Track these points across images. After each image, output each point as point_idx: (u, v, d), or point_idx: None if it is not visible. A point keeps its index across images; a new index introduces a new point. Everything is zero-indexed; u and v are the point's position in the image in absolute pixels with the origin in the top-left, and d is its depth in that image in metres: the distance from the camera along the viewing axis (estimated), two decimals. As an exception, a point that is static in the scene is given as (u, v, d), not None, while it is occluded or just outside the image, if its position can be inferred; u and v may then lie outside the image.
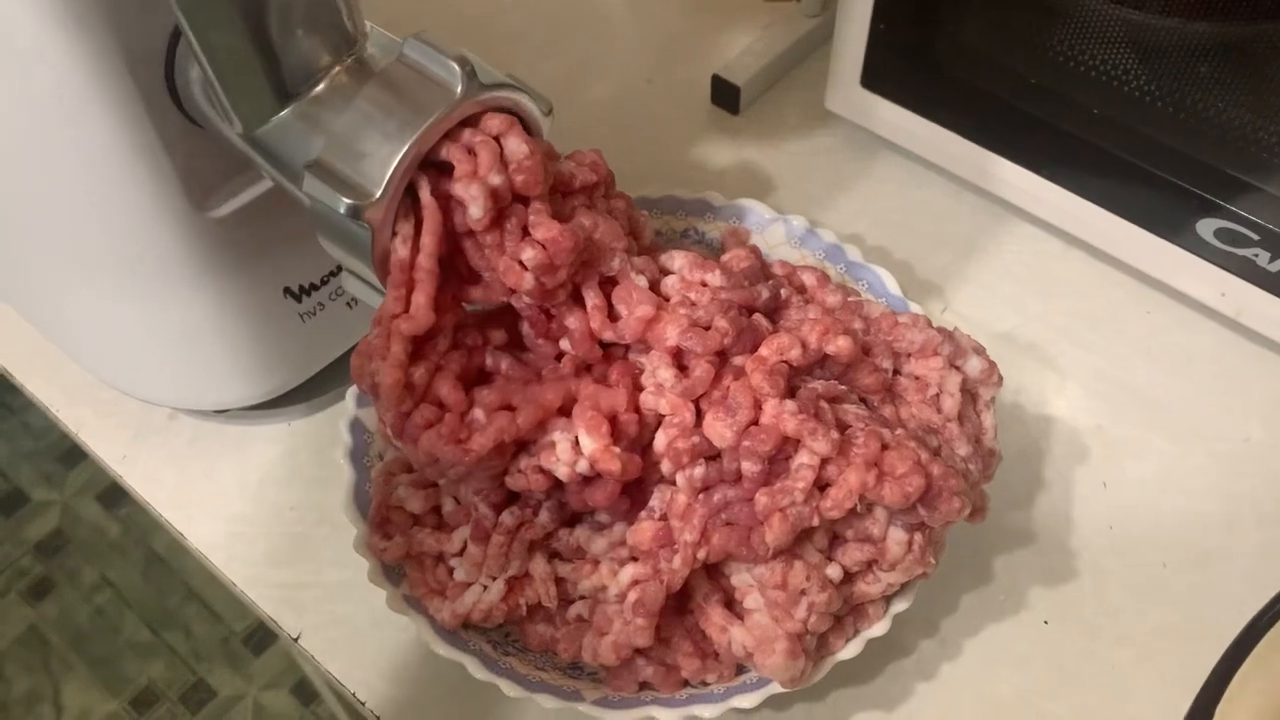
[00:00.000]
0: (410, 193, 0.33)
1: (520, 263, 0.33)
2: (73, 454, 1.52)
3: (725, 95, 0.59)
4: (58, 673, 1.35)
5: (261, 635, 1.36)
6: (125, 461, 0.48)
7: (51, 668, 1.35)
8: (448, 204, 0.33)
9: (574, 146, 0.57)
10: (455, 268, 0.35)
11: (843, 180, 0.57)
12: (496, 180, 0.32)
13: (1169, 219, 0.48)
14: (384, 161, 0.32)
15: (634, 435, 0.34)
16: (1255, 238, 0.45)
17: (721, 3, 0.65)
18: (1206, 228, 0.47)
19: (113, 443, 0.49)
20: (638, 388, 0.35)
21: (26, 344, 0.51)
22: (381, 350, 0.34)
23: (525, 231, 0.33)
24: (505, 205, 0.33)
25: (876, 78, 0.52)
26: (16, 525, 1.47)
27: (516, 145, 0.33)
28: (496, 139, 0.32)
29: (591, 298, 0.35)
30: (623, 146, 0.58)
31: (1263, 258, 0.46)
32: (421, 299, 0.34)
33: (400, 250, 0.33)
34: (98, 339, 0.46)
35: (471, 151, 0.32)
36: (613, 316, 0.35)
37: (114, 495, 1.49)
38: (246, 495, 0.47)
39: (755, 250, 0.41)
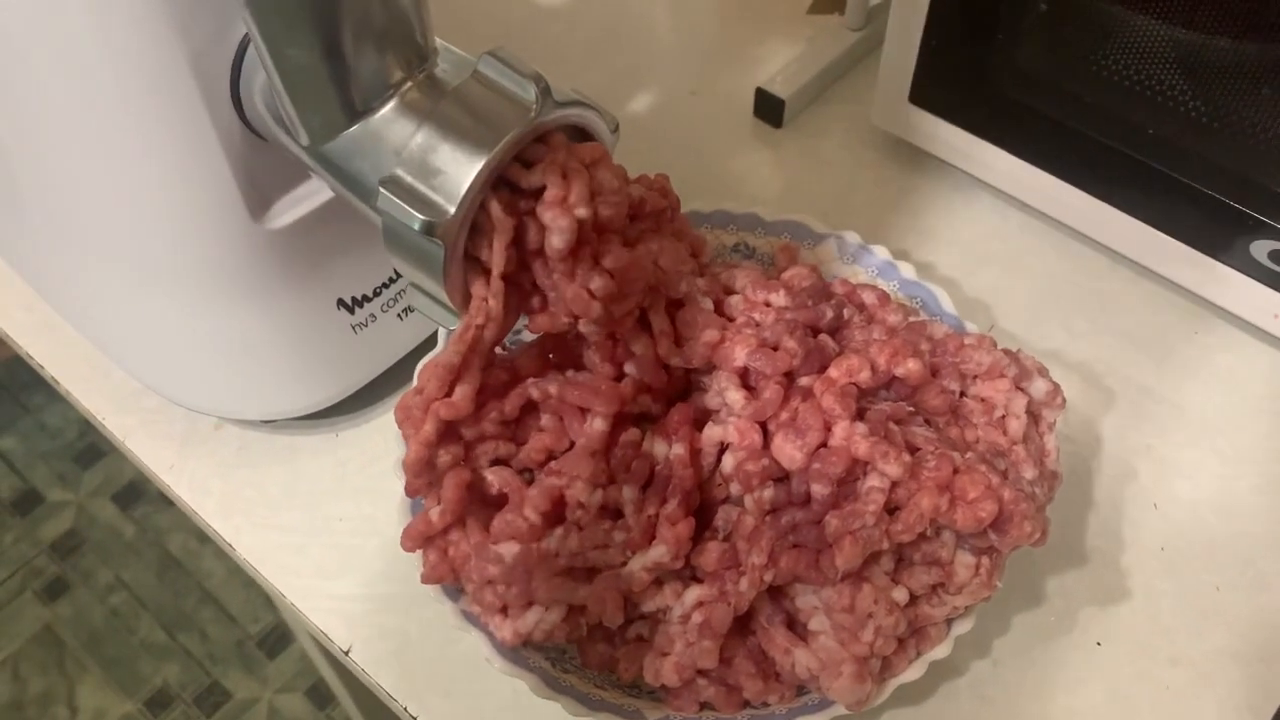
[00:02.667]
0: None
1: (589, 290, 0.33)
2: (88, 454, 1.53)
3: (769, 108, 0.59)
4: (72, 673, 1.35)
5: (276, 638, 1.36)
6: (173, 471, 0.48)
7: (66, 668, 1.35)
8: (520, 221, 0.33)
9: (616, 157, 0.57)
10: (520, 284, 0.35)
11: (887, 196, 0.56)
12: (584, 213, 0.32)
13: (1221, 239, 0.47)
14: (459, 178, 0.32)
15: (691, 489, 0.35)
16: (1310, 260, 0.45)
17: (764, 14, 0.65)
18: (1260, 249, 0.46)
19: (160, 452, 0.49)
20: (698, 423, 0.35)
21: (70, 350, 0.51)
22: (416, 422, 0.34)
23: (596, 260, 0.33)
24: (584, 234, 0.33)
25: (926, 94, 0.52)
26: (32, 525, 1.47)
27: (608, 179, 0.32)
28: (589, 168, 0.32)
29: (658, 323, 0.35)
30: (665, 158, 0.58)
31: (1317, 280, 0.45)
32: (467, 390, 0.34)
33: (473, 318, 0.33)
34: (148, 346, 0.46)
35: (565, 176, 0.32)
36: (678, 340, 0.35)
37: (129, 496, 1.49)
38: (294, 505, 0.47)
39: (815, 268, 0.40)
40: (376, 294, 0.45)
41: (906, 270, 0.46)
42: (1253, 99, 0.44)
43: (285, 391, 0.46)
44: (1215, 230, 0.47)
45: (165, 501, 1.31)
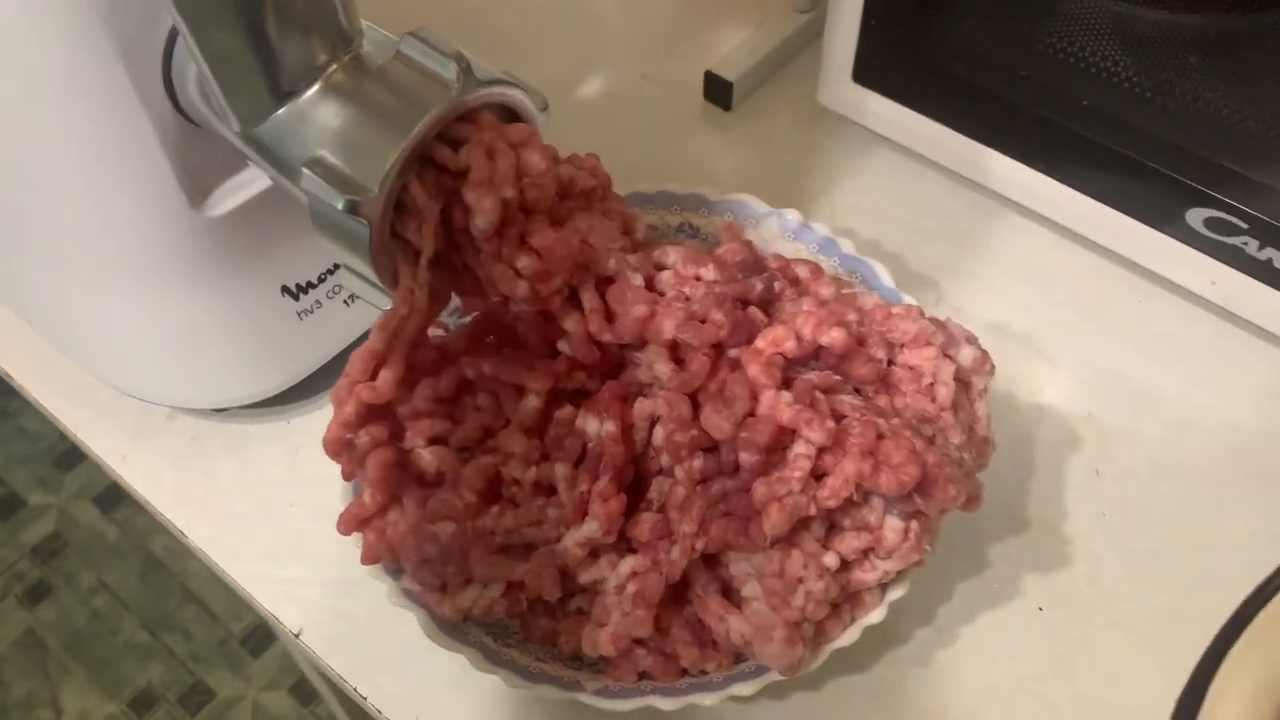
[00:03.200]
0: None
1: (515, 270, 0.33)
2: (69, 457, 1.52)
3: (718, 91, 0.59)
4: (56, 676, 1.35)
5: (260, 636, 1.36)
6: (125, 462, 0.49)
7: (49, 671, 1.35)
8: (448, 201, 0.33)
9: (568, 142, 0.57)
10: (451, 264, 0.36)
11: (836, 175, 0.57)
12: (509, 194, 0.32)
13: (1159, 209, 0.48)
14: (381, 158, 0.32)
15: (623, 465, 0.35)
16: (1244, 226, 0.46)
17: (713, -1, 0.66)
18: (1196, 217, 0.47)
19: (112, 443, 0.49)
20: (632, 398, 0.36)
21: (24, 345, 0.52)
22: (341, 404, 0.35)
23: (522, 239, 0.33)
24: (510, 214, 0.33)
25: (868, 73, 0.53)
26: (13, 529, 1.47)
27: (535, 160, 0.33)
28: (515, 148, 0.33)
29: (589, 300, 0.35)
30: (616, 143, 0.58)
31: (1252, 246, 0.46)
32: (390, 375, 0.34)
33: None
34: (96, 338, 0.46)
35: (491, 157, 0.32)
36: (609, 315, 0.36)
37: (111, 498, 1.49)
38: (247, 493, 0.47)
39: (749, 244, 0.41)
40: (321, 280, 0.46)
41: (846, 246, 0.46)
42: (1186, 70, 0.45)
43: (234, 380, 0.47)
44: (1154, 200, 0.48)
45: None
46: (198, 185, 0.40)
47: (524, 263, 0.33)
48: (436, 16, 0.65)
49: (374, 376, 0.34)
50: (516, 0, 0.67)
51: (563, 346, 0.36)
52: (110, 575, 1.43)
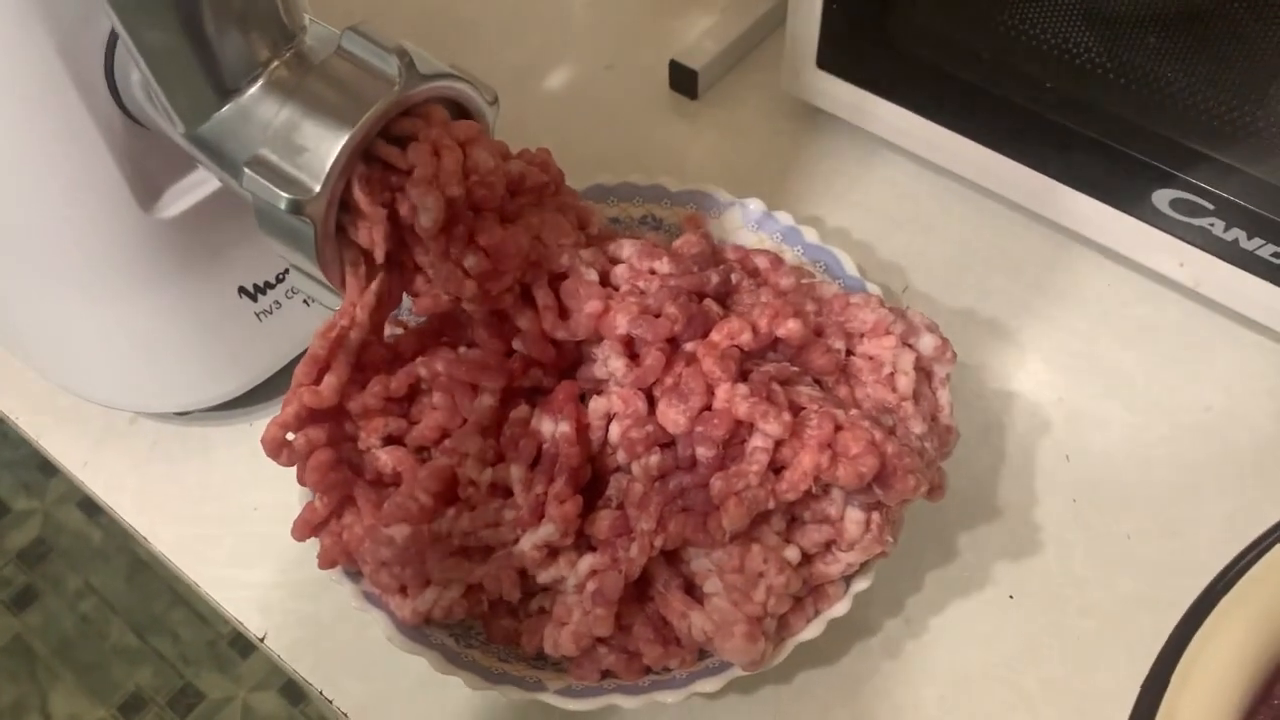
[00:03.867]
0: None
1: (463, 269, 0.33)
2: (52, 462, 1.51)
3: (683, 80, 0.59)
4: (44, 682, 1.34)
5: (248, 637, 1.36)
6: (88, 468, 0.48)
7: (38, 677, 1.35)
8: (394, 198, 0.33)
9: (533, 132, 0.57)
10: (403, 263, 0.35)
11: (802, 162, 0.56)
12: (455, 191, 0.32)
13: (1125, 191, 0.48)
14: (323, 156, 0.31)
15: (579, 466, 0.35)
16: (1210, 207, 0.45)
17: (678, -13, 0.65)
18: (1162, 199, 0.47)
19: (75, 449, 0.49)
20: (590, 394, 0.35)
21: (-16, 352, 0.51)
22: (287, 397, 0.34)
23: (470, 237, 0.33)
24: (457, 212, 0.32)
25: (831, 58, 0.52)
26: (-2, 535, 1.46)
27: (483, 158, 0.32)
28: (463, 145, 0.32)
29: (542, 298, 0.35)
30: (583, 133, 0.58)
31: (1218, 227, 0.46)
32: (333, 380, 0.34)
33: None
34: (53, 344, 0.46)
35: (438, 154, 0.32)
36: (563, 312, 0.35)
37: (95, 502, 1.48)
38: (210, 497, 0.47)
39: (706, 235, 0.40)
40: (279, 280, 0.45)
41: (810, 235, 0.46)
42: (1148, 50, 0.45)
43: (194, 383, 0.46)
44: (1120, 182, 0.48)
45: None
46: (148, 187, 0.40)
47: (471, 261, 0.33)
48: (402, 7, 0.65)
49: (318, 381, 0.34)
50: (480, -8, 0.66)
51: (517, 345, 0.36)
52: (97, 579, 1.43)
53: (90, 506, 1.48)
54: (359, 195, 0.31)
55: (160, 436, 0.49)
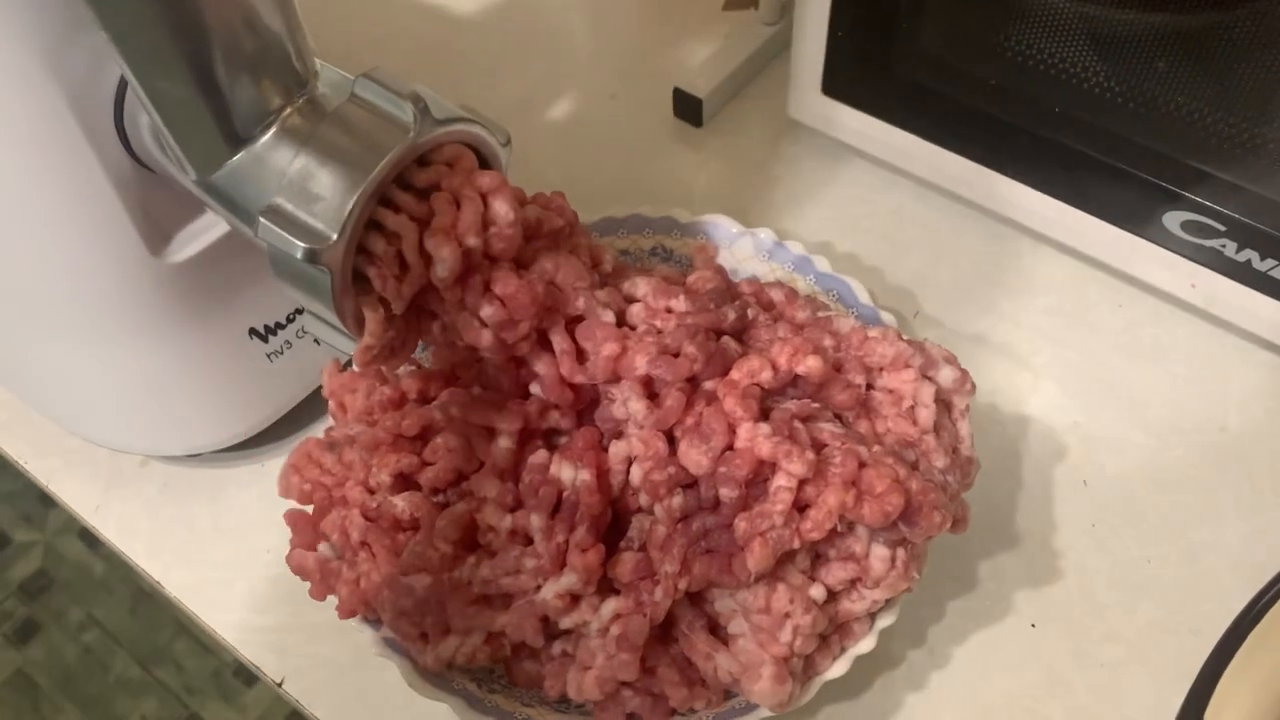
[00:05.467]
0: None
1: (479, 319, 0.33)
2: (52, 493, 1.51)
3: (688, 108, 0.59)
4: (48, 715, 1.33)
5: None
6: (99, 512, 0.48)
7: (42, 710, 1.34)
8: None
9: (538, 165, 0.57)
10: (417, 309, 0.35)
11: (809, 188, 0.56)
12: (473, 242, 0.31)
13: (1135, 213, 0.48)
14: (340, 204, 0.31)
15: (600, 514, 0.34)
16: (1221, 229, 0.45)
17: (680, 14, 0.65)
18: (1173, 220, 0.47)
19: (85, 493, 0.48)
20: (610, 434, 0.35)
21: (-8, 396, 0.51)
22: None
23: (486, 286, 0.33)
24: (474, 262, 0.32)
25: (836, 85, 0.52)
26: (-1, 568, 1.45)
27: (504, 211, 0.32)
28: (484, 196, 0.32)
29: (559, 343, 0.34)
30: (588, 164, 0.58)
31: (1230, 248, 0.46)
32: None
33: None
34: (63, 389, 0.45)
35: (457, 204, 0.31)
36: (580, 356, 0.35)
37: (98, 535, 1.48)
38: (223, 539, 0.46)
39: (721, 270, 0.40)
40: (290, 320, 0.45)
41: (821, 264, 0.46)
42: (1155, 71, 0.45)
43: (205, 425, 0.46)
44: (1129, 204, 0.48)
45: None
46: (158, 232, 0.39)
47: (487, 312, 0.32)
48: (403, 42, 0.65)
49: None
50: (482, 24, 0.66)
51: (534, 389, 0.35)
52: (99, 610, 1.42)
53: (92, 538, 1.46)
54: (377, 248, 0.31)
55: (170, 479, 0.48)
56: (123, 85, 0.35)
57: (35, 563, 1.46)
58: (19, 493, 1.51)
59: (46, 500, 1.50)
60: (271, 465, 0.48)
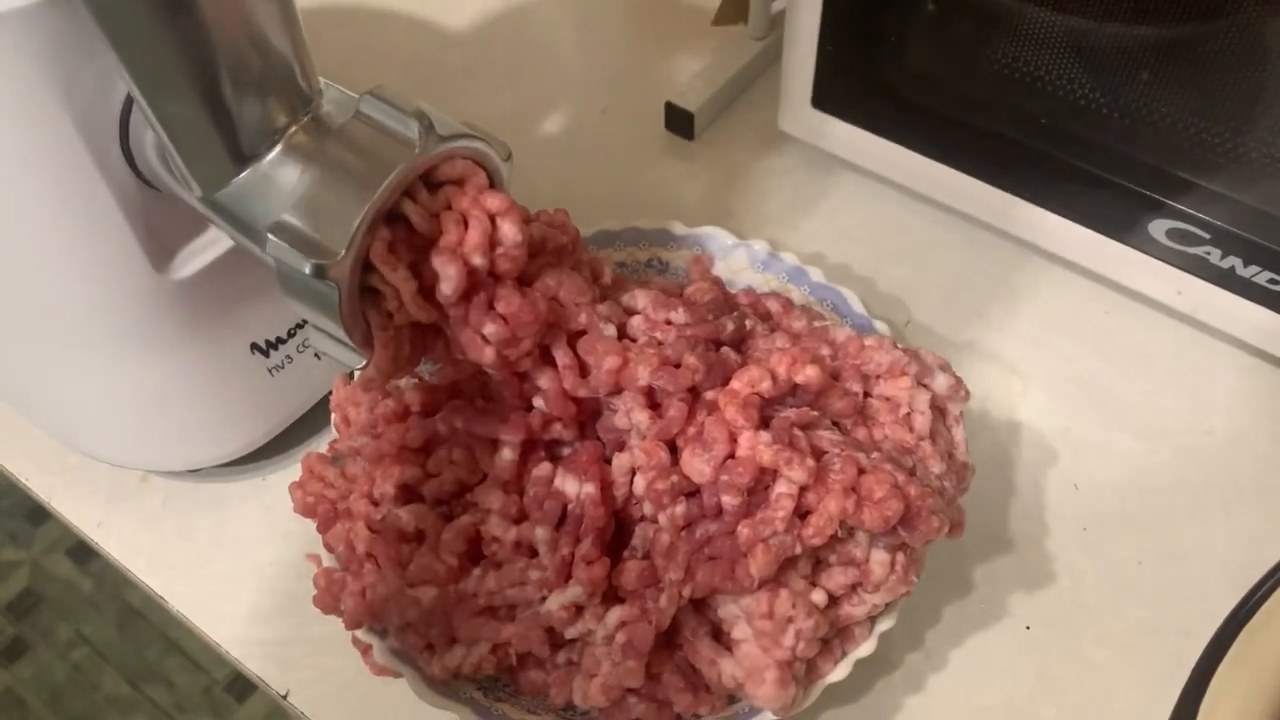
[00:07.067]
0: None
1: (483, 336, 0.33)
2: (40, 511, 1.49)
3: (679, 121, 0.59)
4: (37, 734, 1.33)
5: (244, 683, 1.34)
6: (101, 528, 0.48)
7: (31, 730, 1.33)
8: (417, 259, 0.33)
9: (531, 178, 0.57)
10: (422, 324, 0.35)
11: (801, 200, 0.57)
12: (479, 261, 0.32)
13: (1121, 221, 0.49)
14: (347, 220, 0.32)
15: (605, 527, 0.35)
16: (1206, 236, 0.46)
17: (670, 29, 0.66)
18: (1159, 228, 0.48)
19: (86, 509, 0.49)
20: (609, 445, 0.36)
21: (-10, 413, 0.51)
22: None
23: (490, 304, 0.33)
24: (478, 281, 0.33)
25: (827, 98, 0.53)
26: (-14, 587, 1.44)
27: (511, 233, 0.33)
28: (492, 217, 0.32)
29: (562, 357, 0.35)
30: (581, 178, 0.59)
31: (1214, 255, 0.47)
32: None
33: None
34: (64, 405, 0.46)
35: (464, 223, 0.32)
36: (583, 370, 0.35)
37: (84, 550, 1.47)
38: (224, 553, 0.47)
39: (718, 282, 0.41)
40: (291, 335, 0.45)
41: (816, 274, 0.46)
42: (1139, 83, 0.46)
43: (207, 440, 0.46)
44: (1115, 213, 0.49)
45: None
46: (161, 249, 0.40)
47: (491, 329, 0.33)
48: (395, 59, 0.65)
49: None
50: (474, 39, 0.66)
51: (538, 402, 0.36)
52: (88, 628, 1.41)
53: (79, 555, 1.47)
54: (384, 268, 0.31)
55: (171, 494, 0.49)
56: (128, 104, 0.36)
57: (22, 581, 1.45)
58: (5, 511, 1.51)
59: (33, 518, 1.49)
60: (273, 479, 0.48)
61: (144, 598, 1.41)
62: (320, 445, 0.44)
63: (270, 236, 0.32)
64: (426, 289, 0.33)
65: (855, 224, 0.56)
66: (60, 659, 1.39)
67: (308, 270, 0.32)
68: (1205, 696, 0.33)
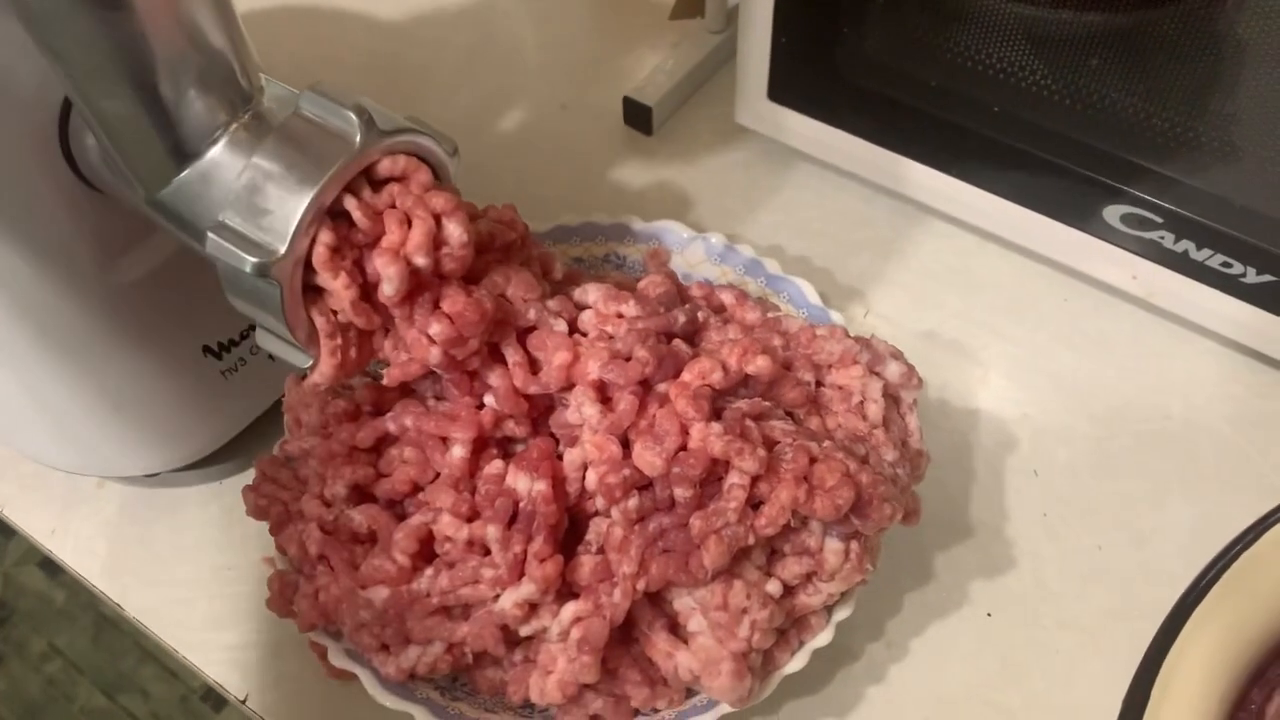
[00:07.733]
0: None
1: (428, 336, 0.33)
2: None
3: (637, 116, 0.59)
4: (11, 749, 1.31)
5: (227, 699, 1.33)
6: (55, 536, 0.47)
7: (5, 744, 1.32)
8: (360, 255, 0.33)
9: (490, 174, 0.57)
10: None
11: (760, 193, 0.57)
12: (422, 261, 0.32)
13: (1076, 208, 0.49)
14: (287, 217, 0.31)
15: (557, 524, 0.35)
16: (1159, 220, 0.46)
17: (628, 25, 0.66)
18: (1113, 214, 0.48)
19: (41, 517, 0.48)
20: (560, 441, 0.35)
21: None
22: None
23: (435, 303, 0.33)
24: (423, 281, 0.33)
25: (782, 90, 0.53)
26: (-44, 601, 1.43)
27: (457, 233, 0.32)
28: (437, 217, 0.32)
29: (512, 355, 0.35)
30: (540, 173, 0.58)
31: (1168, 239, 0.47)
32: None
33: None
34: (15, 412, 0.45)
35: (408, 223, 0.32)
36: (533, 366, 0.35)
37: (57, 563, 1.45)
38: (182, 558, 0.46)
39: (671, 274, 0.41)
40: (243, 337, 0.45)
41: (772, 266, 0.46)
42: (1090, 69, 0.46)
43: (161, 444, 0.45)
44: (1070, 200, 0.49)
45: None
46: (107, 252, 0.39)
47: (435, 329, 0.33)
48: (354, 56, 0.65)
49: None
50: (432, 37, 0.66)
51: (489, 400, 0.36)
52: (61, 640, 1.40)
53: (52, 567, 1.45)
54: (324, 277, 0.31)
55: (128, 499, 0.48)
56: (66, 106, 0.35)
57: (-6, 594, 1.44)
58: (-25, 524, 1.49)
59: (4, 531, 1.48)
60: (229, 483, 0.48)
61: (116, 608, 1.40)
62: (276, 448, 0.43)
63: (210, 235, 0.32)
64: (372, 285, 0.33)
65: (814, 216, 0.56)
66: (34, 672, 1.37)
67: (248, 269, 0.31)
68: (1158, 675, 0.33)
